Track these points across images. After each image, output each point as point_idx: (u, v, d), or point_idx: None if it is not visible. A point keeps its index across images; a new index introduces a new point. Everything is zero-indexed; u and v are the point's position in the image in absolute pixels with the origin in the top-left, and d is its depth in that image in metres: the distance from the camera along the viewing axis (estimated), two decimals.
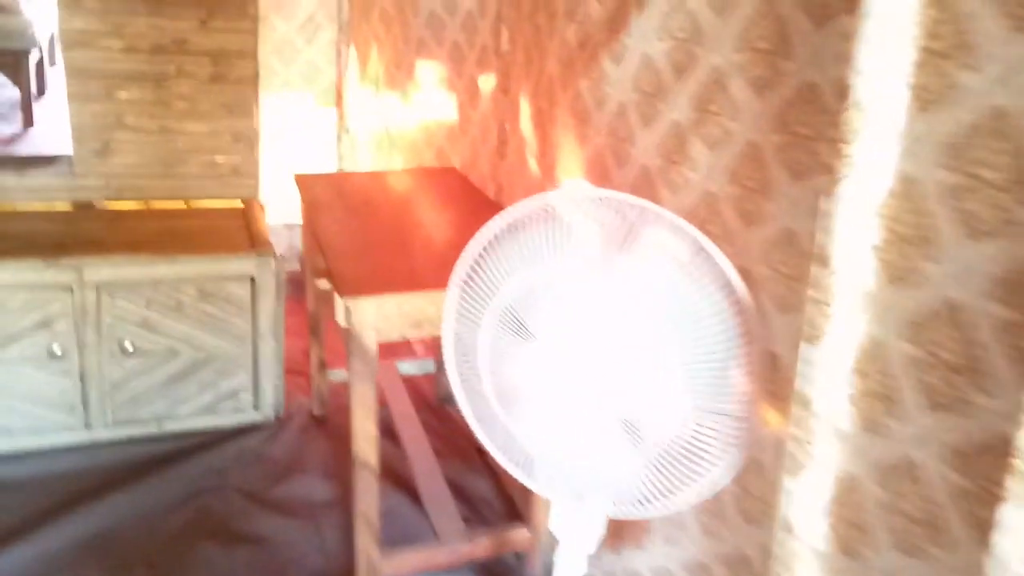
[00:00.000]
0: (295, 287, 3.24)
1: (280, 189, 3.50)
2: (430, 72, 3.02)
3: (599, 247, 1.34)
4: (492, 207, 2.60)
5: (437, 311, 2.09)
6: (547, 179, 2.16)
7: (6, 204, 2.94)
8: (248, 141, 3.22)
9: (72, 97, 2.91)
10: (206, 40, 3.01)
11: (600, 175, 1.78)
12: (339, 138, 3.73)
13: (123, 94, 2.97)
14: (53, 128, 5.32)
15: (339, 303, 2.06)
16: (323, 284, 2.36)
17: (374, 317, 2.02)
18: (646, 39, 1.52)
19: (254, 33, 3.06)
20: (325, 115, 3.63)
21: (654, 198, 1.53)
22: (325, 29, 3.49)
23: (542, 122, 2.16)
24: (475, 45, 2.79)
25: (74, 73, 2.89)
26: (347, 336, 2.08)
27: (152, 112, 3.05)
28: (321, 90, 3.62)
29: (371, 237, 2.39)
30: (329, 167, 3.58)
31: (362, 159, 3.50)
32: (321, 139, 3.65)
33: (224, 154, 3.18)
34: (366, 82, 3.39)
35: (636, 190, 1.61)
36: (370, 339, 2.02)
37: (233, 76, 3.10)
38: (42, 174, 3.04)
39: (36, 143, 5.36)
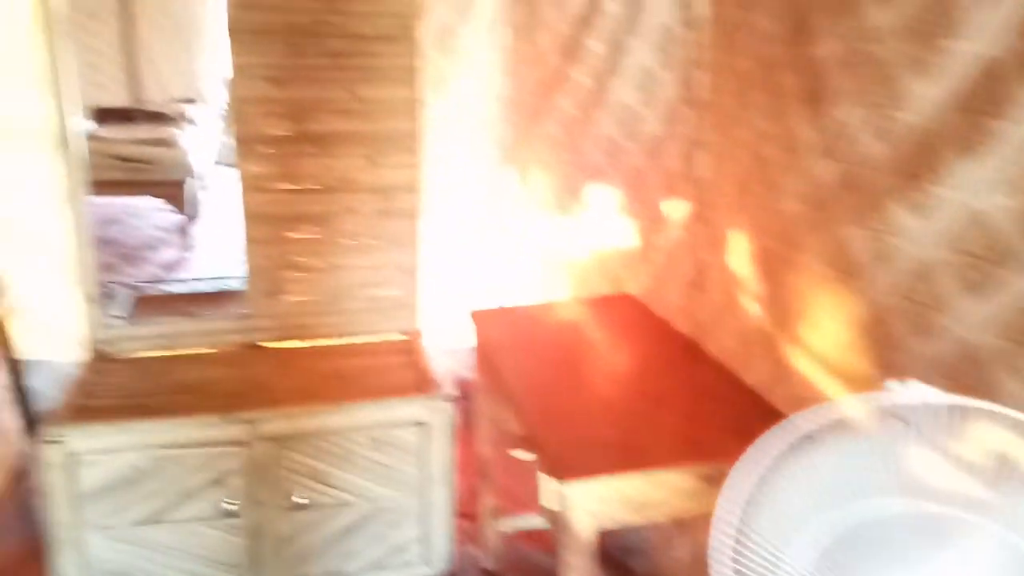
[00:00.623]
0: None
1: (441, 314, 3.32)
2: (604, 197, 2.80)
3: (987, 480, 0.99)
4: (693, 350, 2.29)
5: (662, 493, 1.78)
6: (783, 331, 1.83)
7: (181, 348, 2.86)
8: (410, 272, 3.06)
9: (248, 240, 2.84)
10: (372, 177, 2.91)
11: (883, 343, 1.44)
12: (499, 262, 3.54)
13: (294, 234, 2.87)
14: (209, 251, 5.41)
15: (544, 481, 1.78)
16: (520, 454, 2.08)
17: (592, 501, 1.72)
18: (975, 191, 1.20)
19: (419, 167, 2.93)
20: (483, 239, 3.45)
21: (990, 390, 1.18)
22: (484, 153, 3.35)
23: (772, 264, 1.86)
24: (660, 170, 2.55)
25: (251, 217, 2.83)
26: (555, 521, 1.79)
27: (320, 250, 2.94)
28: (479, 214, 3.45)
29: (569, 393, 2.12)
30: (489, 291, 3.37)
31: (525, 284, 3.27)
32: (478, 263, 3.47)
33: (387, 287, 3.03)
34: (530, 206, 3.20)
35: (955, 375, 1.26)
36: (587, 528, 1.71)
37: (397, 210, 2.98)
38: (215, 317, 2.97)
39: (195, 267, 5.45)
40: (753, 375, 2.05)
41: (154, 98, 6.40)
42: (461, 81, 3.30)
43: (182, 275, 5.19)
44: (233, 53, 2.71)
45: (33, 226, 3.10)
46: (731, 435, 1.44)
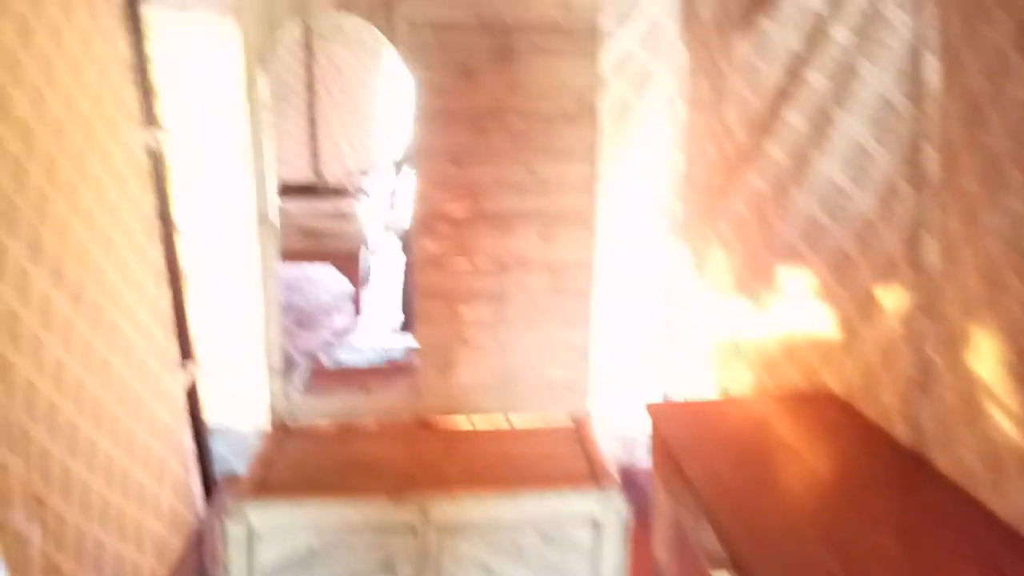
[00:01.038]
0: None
1: (610, 397, 3.14)
2: (800, 280, 2.53)
3: None
4: (916, 463, 1.96)
5: None
6: None
7: (354, 420, 2.85)
8: (581, 353, 2.91)
9: (421, 317, 2.81)
10: (546, 254, 2.81)
11: None
12: (673, 345, 3.32)
13: (467, 312, 2.82)
14: (377, 317, 5.53)
15: None
16: (720, 574, 1.83)
17: None
18: None
19: (592, 244, 2.81)
20: (656, 320, 3.25)
21: None
22: (658, 230, 3.18)
23: None
24: (872, 254, 2.27)
25: (425, 294, 2.80)
26: None
27: (492, 328, 2.86)
28: (652, 293, 3.27)
29: (771, 506, 1.85)
30: (662, 376, 3.15)
31: (702, 370, 3.02)
32: (651, 344, 3.26)
33: (558, 367, 2.89)
34: (708, 286, 2.98)
35: None
36: None
37: (570, 288, 2.86)
38: (387, 391, 2.94)
39: (364, 333, 5.58)
40: (1004, 502, 1.71)
41: (333, 172, 6.79)
42: (636, 157, 3.19)
43: (352, 341, 5.33)
44: (418, 136, 2.74)
45: (228, 296, 3.26)
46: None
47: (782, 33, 2.28)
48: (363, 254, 5.78)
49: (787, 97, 2.33)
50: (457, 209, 2.79)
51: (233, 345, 3.35)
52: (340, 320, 5.76)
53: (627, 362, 3.27)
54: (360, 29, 6.57)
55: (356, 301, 5.78)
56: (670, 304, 3.30)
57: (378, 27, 2.61)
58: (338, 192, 6.34)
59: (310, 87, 6.93)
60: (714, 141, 2.84)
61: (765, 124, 2.46)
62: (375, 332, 5.54)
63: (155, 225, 3.08)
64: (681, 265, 3.20)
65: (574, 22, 2.69)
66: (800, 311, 2.56)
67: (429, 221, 2.83)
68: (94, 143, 2.55)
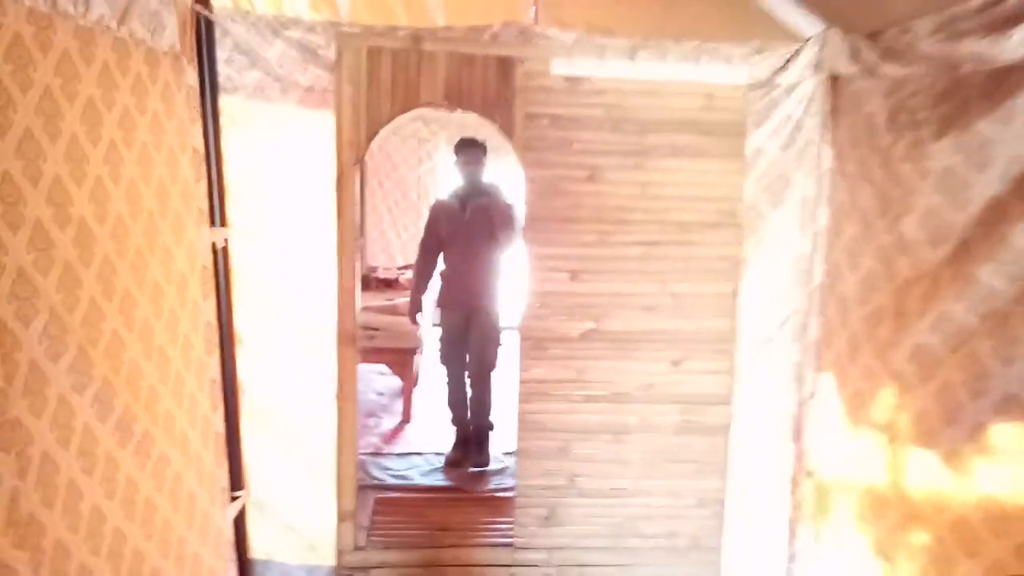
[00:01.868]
0: None
1: (749, 561, 2.58)
2: (1016, 438, 2.02)
3: None
4: None
5: None
6: None
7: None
8: (715, 506, 2.38)
9: (522, 453, 2.32)
10: (677, 384, 2.32)
11: None
12: (796, 481, 2.78)
13: (577, 450, 2.31)
14: (426, 422, 4.96)
15: None
16: None
17: None
18: None
19: (731, 373, 2.32)
20: (779, 449, 2.72)
21: None
22: (797, 359, 2.70)
23: None
24: None
25: (527, 427, 2.31)
26: None
27: (606, 471, 2.34)
28: (773, 419, 2.75)
29: None
30: (781, 516, 2.59)
31: (832, 511, 2.47)
32: (770, 473, 2.71)
33: (685, 521, 2.35)
34: (865, 429, 2.46)
35: None
36: None
37: (702, 426, 2.36)
38: (474, 545, 2.41)
39: (412, 439, 5.01)
40: None
41: (382, 264, 6.46)
42: (772, 269, 2.73)
43: (402, 447, 4.73)
44: (528, 242, 2.31)
45: (289, 418, 2.80)
46: None
47: (1008, 138, 1.87)
48: (417, 351, 5.32)
49: (1009, 213, 1.89)
50: (573, 328, 2.33)
51: (288, 472, 2.86)
52: (389, 422, 5.26)
53: (770, 520, 2.71)
54: (415, 118, 6.38)
55: (407, 403, 5.29)
56: (810, 448, 2.77)
57: (493, 121, 2.23)
58: (389, 284, 5.96)
59: (361, 177, 6.68)
60: (879, 256, 2.39)
61: (974, 243, 2.01)
62: (427, 437, 4.96)
63: (214, 335, 2.65)
64: (826, 401, 2.70)
65: (718, 120, 2.30)
66: (1015, 471, 2.03)
67: (537, 342, 2.37)
68: (155, 244, 2.16)
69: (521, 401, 2.31)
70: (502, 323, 3.55)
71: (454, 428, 3.70)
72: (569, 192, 2.26)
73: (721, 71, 2.25)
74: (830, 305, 2.66)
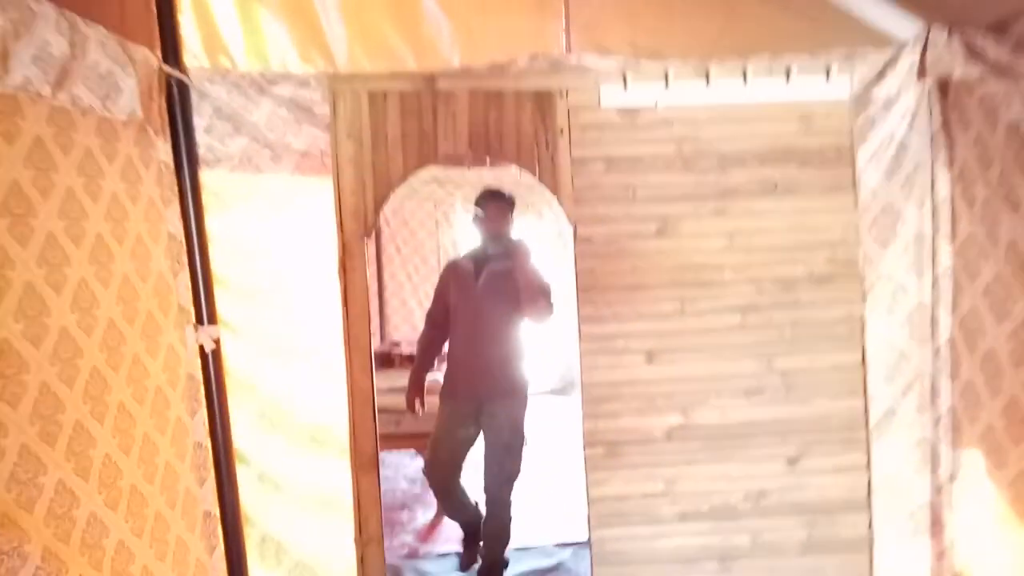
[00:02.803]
0: None
1: None
2: None
3: None
4: None
5: None
6: None
7: None
8: None
9: None
10: (796, 490, 1.77)
11: None
12: None
13: None
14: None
15: None
16: None
17: None
18: None
19: (867, 468, 1.76)
20: (912, 549, 2.12)
21: None
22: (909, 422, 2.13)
23: None
24: None
25: (606, 560, 1.77)
26: None
27: None
28: (902, 511, 2.16)
29: None
30: None
31: None
32: None
33: None
34: (1020, 513, 1.88)
35: None
36: None
37: (836, 541, 1.77)
38: None
39: (451, 533, 4.30)
40: None
41: (406, 338, 5.98)
42: (890, 330, 2.18)
43: (440, 545, 4.10)
44: (584, 318, 1.81)
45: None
46: None
47: None
48: None
49: None
50: (654, 426, 1.80)
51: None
52: (422, 516, 4.65)
53: None
54: (429, 180, 5.99)
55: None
56: (954, 545, 2.17)
57: (531, 171, 1.75)
58: (413, 360, 5.43)
59: (376, 245, 6.29)
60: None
61: None
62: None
63: (207, 457, 2.15)
64: (973, 486, 2.11)
65: (818, 146, 1.81)
66: None
67: (610, 446, 1.83)
68: (118, 358, 1.71)
69: (593, 527, 1.77)
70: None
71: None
72: (635, 251, 1.77)
73: (817, 85, 1.77)
74: (967, 366, 2.10)
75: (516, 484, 2.76)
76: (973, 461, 2.17)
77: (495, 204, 2.69)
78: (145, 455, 1.87)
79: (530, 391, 2.78)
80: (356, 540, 1.82)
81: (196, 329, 2.14)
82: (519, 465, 2.74)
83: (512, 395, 2.70)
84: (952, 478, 2.22)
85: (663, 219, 1.82)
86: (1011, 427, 1.99)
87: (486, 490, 2.78)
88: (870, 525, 1.85)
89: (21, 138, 1.51)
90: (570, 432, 5.04)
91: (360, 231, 1.76)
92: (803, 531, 1.83)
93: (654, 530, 1.82)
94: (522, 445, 2.74)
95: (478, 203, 2.73)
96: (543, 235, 6.21)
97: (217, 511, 2.21)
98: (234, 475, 2.23)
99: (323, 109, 1.98)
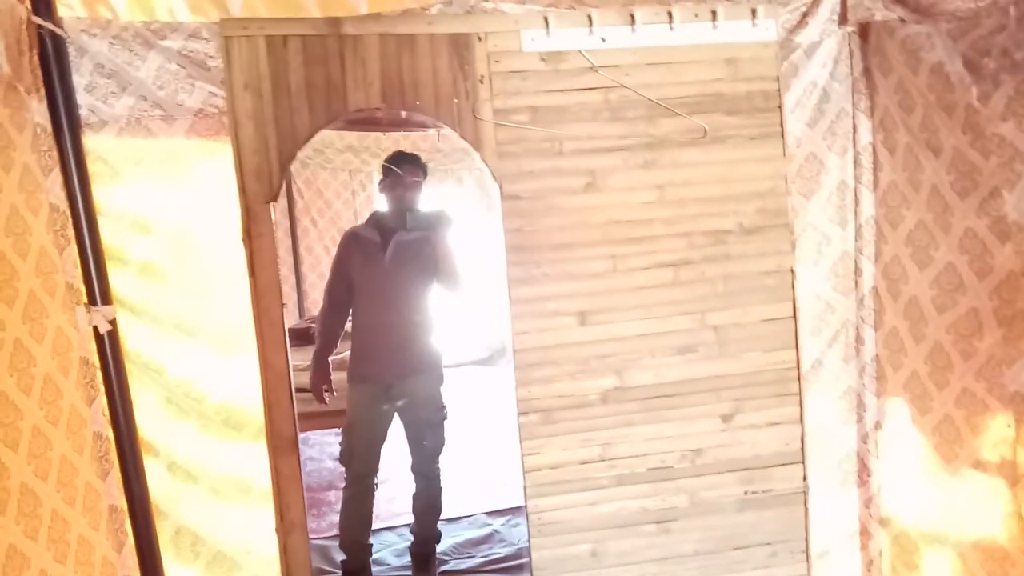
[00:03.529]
0: None
1: None
2: None
3: None
4: None
5: None
6: None
7: None
8: None
9: (540, 569, 1.71)
10: (732, 447, 1.79)
11: None
12: (866, 532, 2.25)
13: (613, 550, 1.72)
14: (394, 488, 4.15)
15: None
16: None
17: None
18: None
19: (801, 421, 1.77)
20: (841, 496, 2.19)
21: None
22: (835, 372, 2.18)
23: None
24: None
25: (543, 531, 1.73)
26: None
27: (655, 573, 1.74)
28: (830, 461, 2.22)
29: None
30: None
31: (922, 569, 1.96)
32: (832, 529, 2.19)
33: None
34: (945, 459, 1.94)
35: None
36: None
37: (772, 496, 1.80)
38: None
39: (380, 511, 4.19)
40: None
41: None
42: (816, 280, 2.20)
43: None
44: (513, 280, 1.73)
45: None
46: None
47: None
48: None
49: None
50: (589, 389, 1.74)
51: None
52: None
53: None
54: (344, 149, 5.77)
55: None
56: (881, 491, 2.23)
57: (450, 125, 1.63)
58: None
59: (290, 217, 6.04)
60: (964, 246, 1.88)
61: None
62: (396, 506, 4.23)
63: (109, 449, 1.99)
64: (899, 433, 2.16)
65: (746, 92, 1.76)
66: None
67: (544, 413, 1.77)
68: (0, 344, 1.52)
69: (529, 497, 1.70)
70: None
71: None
72: (563, 208, 1.70)
73: (743, 29, 1.71)
74: (891, 314, 2.13)
75: (441, 456, 2.67)
76: (898, 409, 2.21)
77: (407, 167, 2.51)
78: (36, 449, 1.70)
79: (454, 362, 2.68)
80: (277, 528, 1.71)
81: (88, 310, 1.96)
82: (442, 438, 2.66)
83: (427, 370, 2.58)
84: (878, 426, 2.28)
85: (591, 173, 1.75)
86: (934, 373, 2.03)
87: (412, 467, 2.68)
88: (804, 478, 1.86)
89: None
90: (497, 402, 5.01)
91: (265, 194, 1.61)
92: (739, 487, 1.83)
93: (591, 496, 1.78)
94: (443, 419, 2.66)
95: (387, 167, 2.53)
96: (466, 203, 6.10)
97: (124, 505, 2.05)
98: (141, 465, 2.07)
99: (218, 63, 1.81)
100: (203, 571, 2.19)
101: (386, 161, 2.51)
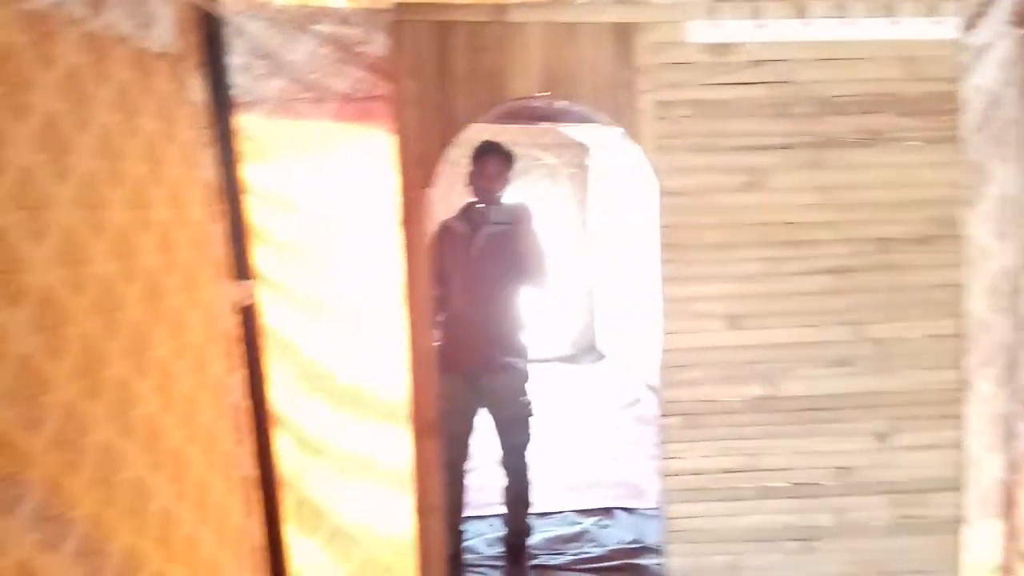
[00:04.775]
0: None
1: None
2: None
3: None
4: None
5: None
6: None
7: None
8: None
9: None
10: (885, 468, 1.69)
11: None
12: (1008, 568, 2.06)
13: (752, 564, 1.62)
14: (484, 476, 4.10)
15: None
16: None
17: None
18: None
19: (962, 448, 1.63)
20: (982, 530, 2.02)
21: None
22: (986, 396, 2.00)
23: None
24: None
25: (679, 538, 1.64)
26: None
27: None
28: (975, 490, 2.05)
29: None
30: None
31: None
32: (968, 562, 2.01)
33: None
34: None
35: None
36: None
37: (926, 522, 1.66)
38: None
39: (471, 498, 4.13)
40: None
41: None
42: (972, 297, 2.03)
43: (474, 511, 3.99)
44: (666, 278, 1.65)
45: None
46: None
47: None
48: None
49: None
50: (735, 396, 1.65)
51: None
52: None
53: None
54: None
55: None
56: None
57: (609, 116, 1.57)
58: None
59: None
60: None
61: None
62: (487, 494, 4.25)
63: (244, 419, 2.02)
64: None
65: (923, 93, 1.63)
66: None
67: (687, 417, 1.69)
68: (160, 312, 1.59)
69: (667, 502, 1.62)
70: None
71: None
72: (721, 206, 1.61)
73: (921, 25, 1.58)
74: None
75: (528, 452, 2.61)
76: None
77: (493, 159, 2.44)
78: (186, 416, 1.73)
79: (539, 358, 2.64)
80: (417, 509, 1.69)
81: (234, 285, 1.99)
82: (528, 433, 2.60)
83: (513, 365, 2.52)
84: None
85: (752, 171, 1.65)
86: None
87: (501, 461, 2.66)
88: (960, 506, 1.72)
89: (55, 66, 1.34)
90: (581, 401, 4.92)
91: (424, 179, 1.59)
92: (891, 511, 1.71)
93: (732, 507, 1.69)
94: (529, 415, 2.59)
95: (474, 158, 2.46)
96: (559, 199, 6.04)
97: (254, 474, 2.09)
98: (273, 437, 2.10)
99: (369, 49, 1.80)
100: (323, 544, 2.21)
101: (473, 153, 2.45)
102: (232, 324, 2.00)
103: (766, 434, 1.69)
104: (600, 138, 5.24)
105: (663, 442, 1.69)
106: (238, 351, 2.03)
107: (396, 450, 1.99)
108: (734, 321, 1.67)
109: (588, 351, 6.37)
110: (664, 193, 1.65)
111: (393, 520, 2.05)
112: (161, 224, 1.65)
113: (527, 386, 2.58)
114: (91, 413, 1.31)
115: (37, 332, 1.15)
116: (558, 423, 4.29)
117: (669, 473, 1.69)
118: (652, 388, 4.82)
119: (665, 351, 1.69)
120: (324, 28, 1.88)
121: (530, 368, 2.59)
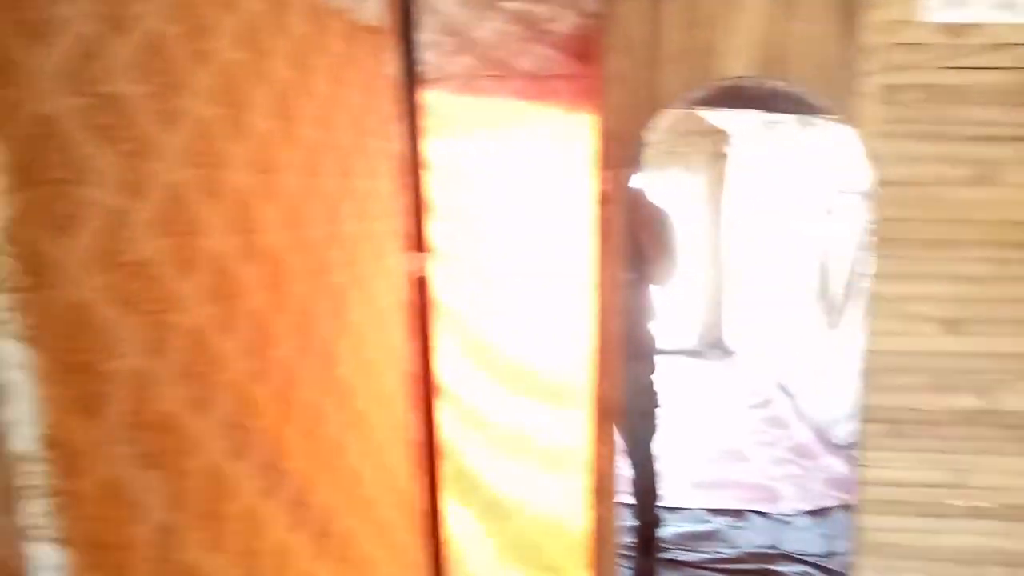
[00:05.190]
0: None
1: None
2: None
3: None
4: None
5: None
6: None
7: None
8: None
9: None
10: None
11: None
12: None
13: None
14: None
15: None
16: None
17: None
18: None
19: None
20: None
21: None
22: None
23: None
24: None
25: (874, 550, 1.53)
26: None
27: None
28: None
29: None
30: None
31: None
32: None
33: None
34: None
35: None
36: None
37: None
38: None
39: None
40: None
41: None
42: None
43: None
44: (879, 276, 1.52)
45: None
46: None
47: None
48: None
49: None
50: (947, 406, 1.52)
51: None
52: None
53: None
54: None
55: None
56: None
57: (830, 99, 1.46)
58: None
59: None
60: None
61: None
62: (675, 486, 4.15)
63: (413, 386, 2.07)
64: None
65: None
66: None
67: (893, 425, 1.57)
68: (357, 278, 1.61)
69: (863, 512, 1.52)
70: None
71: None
72: (946, 200, 1.47)
73: None
74: None
75: (653, 444, 2.58)
76: None
77: None
78: (372, 382, 1.78)
79: (663, 350, 2.59)
80: (594, 493, 1.66)
81: (412, 255, 2.03)
82: (654, 425, 2.57)
83: (643, 356, 2.48)
84: None
85: (984, 163, 1.50)
86: None
87: (627, 452, 2.62)
88: None
89: (288, 35, 1.38)
90: (705, 396, 4.77)
91: (625, 158, 1.54)
92: None
93: (934, 523, 1.55)
94: (655, 407, 2.55)
95: None
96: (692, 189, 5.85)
97: (419, 440, 2.13)
98: (437, 406, 2.13)
99: (556, 27, 1.76)
100: (477, 516, 2.24)
101: None
102: (408, 294, 2.05)
103: (978, 450, 1.54)
104: (744, 126, 5.02)
105: (862, 449, 1.58)
106: (412, 320, 2.08)
107: (558, 431, 1.98)
108: (952, 325, 1.53)
109: (714, 346, 6.18)
110: (884, 183, 1.53)
111: (547, 500, 2.04)
112: (361, 195, 1.70)
113: (653, 377, 2.55)
114: (301, 371, 1.36)
115: (211, 303, 1.03)
116: (683, 418, 4.18)
117: (867, 482, 1.58)
118: (785, 390, 4.61)
119: (870, 352, 1.57)
120: (513, 5, 1.86)
121: (657, 360, 2.55)
